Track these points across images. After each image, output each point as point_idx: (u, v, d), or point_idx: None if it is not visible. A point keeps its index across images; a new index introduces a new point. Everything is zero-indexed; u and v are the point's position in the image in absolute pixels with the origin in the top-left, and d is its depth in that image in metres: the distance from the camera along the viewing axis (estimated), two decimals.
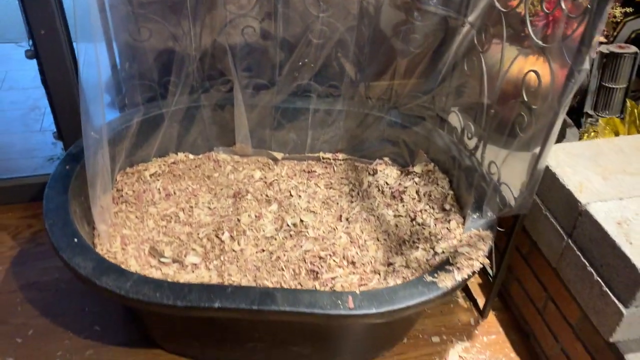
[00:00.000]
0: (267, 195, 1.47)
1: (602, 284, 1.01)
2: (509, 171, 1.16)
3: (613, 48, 1.40)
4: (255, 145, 1.53)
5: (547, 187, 1.15)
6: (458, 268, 1.03)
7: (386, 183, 1.44)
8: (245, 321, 1.08)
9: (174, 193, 1.44)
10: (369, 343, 1.21)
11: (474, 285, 1.44)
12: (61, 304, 1.33)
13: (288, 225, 1.37)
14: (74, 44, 1.36)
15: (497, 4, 1.15)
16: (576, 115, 1.53)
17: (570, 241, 1.09)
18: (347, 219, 1.39)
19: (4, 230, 1.50)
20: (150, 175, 1.43)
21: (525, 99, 1.08)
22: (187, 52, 1.36)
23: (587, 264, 1.04)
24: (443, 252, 1.14)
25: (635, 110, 1.28)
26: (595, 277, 1.02)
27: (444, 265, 1.05)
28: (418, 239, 1.25)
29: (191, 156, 1.52)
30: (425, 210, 1.31)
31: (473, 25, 1.20)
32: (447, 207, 1.29)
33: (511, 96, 1.14)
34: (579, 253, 1.07)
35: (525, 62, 1.21)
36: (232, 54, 1.37)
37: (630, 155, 1.17)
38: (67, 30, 1.32)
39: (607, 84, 1.44)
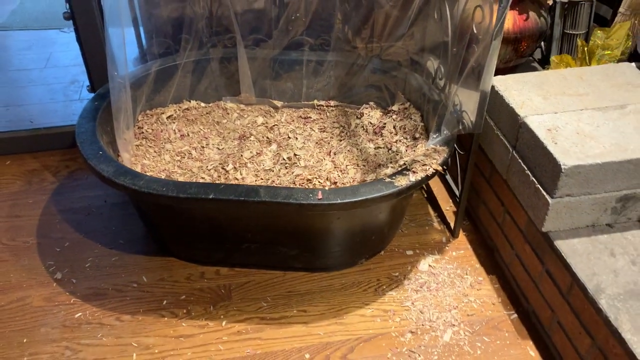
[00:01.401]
0: (268, 138, 1.69)
1: (535, 181, 1.18)
2: (467, 100, 1.35)
3: None
4: (258, 95, 1.75)
5: (497, 109, 1.33)
6: (413, 172, 1.22)
7: (370, 123, 1.64)
8: (238, 220, 1.30)
9: (188, 135, 1.68)
10: (348, 250, 1.41)
11: (449, 213, 1.62)
12: (92, 224, 1.58)
13: (284, 159, 1.59)
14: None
15: None
16: (544, 62, 1.70)
17: (514, 152, 1.27)
18: (334, 153, 1.59)
19: (46, 169, 1.77)
20: (167, 118, 1.67)
21: (475, 31, 1.26)
22: (196, 11, 1.59)
23: (525, 168, 1.22)
24: (405, 163, 1.33)
25: (585, 49, 1.44)
26: (531, 177, 1.20)
27: (402, 171, 1.24)
28: (391, 162, 1.44)
29: (202, 104, 1.75)
30: (400, 141, 1.50)
31: None
32: (417, 135, 1.48)
33: (466, 33, 1.33)
34: (520, 160, 1.24)
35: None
36: (234, 11, 1.60)
37: (571, 81, 1.34)
38: None
39: (568, 31, 1.60)
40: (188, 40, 1.65)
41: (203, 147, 1.66)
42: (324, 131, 1.72)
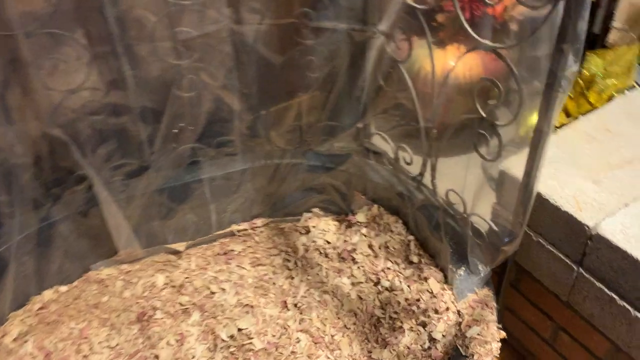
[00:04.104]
0: (181, 304, 1.12)
1: (631, 310, 0.81)
2: (478, 199, 0.93)
3: None
4: (146, 245, 1.16)
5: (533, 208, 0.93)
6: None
7: (327, 242, 1.15)
8: None
9: (56, 348, 1.04)
10: None
11: None
12: None
13: (224, 339, 1.04)
14: None
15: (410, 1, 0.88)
16: None
17: (581, 270, 0.88)
18: (295, 305, 1.08)
19: None
20: (14, 340, 1.01)
21: (484, 115, 0.83)
22: (13, 161, 0.95)
23: (613, 295, 0.84)
24: (443, 336, 0.88)
25: (580, 80, 1.09)
26: (627, 306, 0.82)
27: (457, 359, 0.79)
28: (395, 312, 0.98)
29: (63, 288, 1.11)
30: (390, 269, 1.04)
31: (385, 34, 0.92)
32: (415, 259, 1.03)
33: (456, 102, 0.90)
34: (598, 283, 0.86)
35: (447, 56, 1.00)
36: (76, 143, 0.99)
37: (603, 141, 0.98)
38: None
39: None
40: (11, 204, 0.99)
41: (85, 356, 1.04)
42: (259, 265, 1.19)
